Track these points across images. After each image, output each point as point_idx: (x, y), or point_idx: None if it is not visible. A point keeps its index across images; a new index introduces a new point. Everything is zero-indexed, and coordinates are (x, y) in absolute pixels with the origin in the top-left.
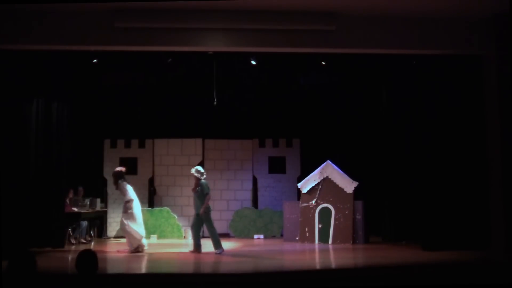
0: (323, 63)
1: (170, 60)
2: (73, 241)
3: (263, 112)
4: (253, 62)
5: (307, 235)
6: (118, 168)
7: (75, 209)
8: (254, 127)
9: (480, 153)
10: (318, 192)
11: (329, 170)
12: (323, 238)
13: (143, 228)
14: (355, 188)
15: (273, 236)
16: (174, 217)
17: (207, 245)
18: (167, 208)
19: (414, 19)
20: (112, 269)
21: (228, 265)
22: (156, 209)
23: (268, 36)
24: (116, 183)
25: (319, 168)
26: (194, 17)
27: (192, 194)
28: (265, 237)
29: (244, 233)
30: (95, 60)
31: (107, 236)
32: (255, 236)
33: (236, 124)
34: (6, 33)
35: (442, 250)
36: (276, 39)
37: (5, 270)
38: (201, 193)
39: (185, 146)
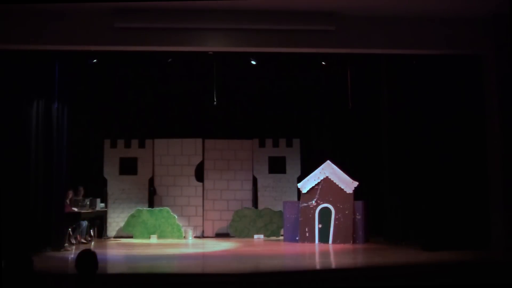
0: (323, 63)
1: (170, 60)
2: (73, 241)
3: (263, 112)
4: (253, 62)
5: (307, 235)
6: None
7: (75, 209)
8: (254, 127)
9: (480, 153)
10: (318, 192)
11: (329, 170)
12: (323, 238)
13: None
14: (355, 188)
15: (273, 236)
16: (174, 217)
17: (207, 245)
18: (167, 208)
19: (414, 19)
20: (112, 269)
21: (228, 265)
22: (156, 209)
23: (268, 36)
24: None
25: (319, 168)
26: (194, 17)
27: (192, 194)
28: (265, 237)
29: (244, 233)
30: (95, 60)
31: (107, 236)
32: (255, 236)
33: (236, 124)
34: (6, 33)
35: (442, 250)
36: (276, 39)
37: (3, 270)
38: None
39: (185, 146)
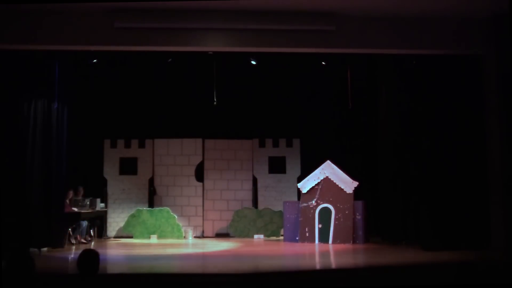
0: (323, 63)
1: (170, 60)
2: (73, 241)
3: (263, 112)
4: (253, 62)
5: (307, 235)
6: None
7: (75, 209)
8: (254, 127)
9: (480, 153)
10: (318, 192)
11: (329, 170)
12: (323, 238)
13: None
14: (355, 188)
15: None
16: (174, 217)
17: (207, 245)
18: (167, 208)
19: (414, 19)
20: (112, 269)
21: (228, 265)
22: (156, 209)
23: (268, 36)
24: None
25: (319, 168)
26: (194, 17)
27: (192, 194)
28: (265, 237)
29: (244, 233)
30: (95, 60)
31: (107, 236)
32: (255, 236)
33: (236, 124)
34: (6, 33)
35: (442, 250)
36: (276, 39)
37: (3, 270)
38: None
39: (185, 146)
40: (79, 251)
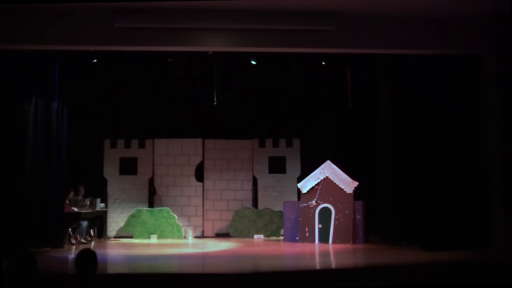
0: (323, 63)
1: (170, 60)
2: (73, 241)
3: (263, 112)
4: (253, 62)
5: (307, 235)
6: None
7: (75, 209)
8: (254, 127)
9: (480, 153)
10: (318, 192)
11: (329, 170)
12: (323, 238)
13: None
14: (355, 188)
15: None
16: (174, 217)
17: (207, 245)
18: (167, 208)
19: (414, 19)
20: (112, 269)
21: (228, 265)
22: (156, 209)
23: (268, 36)
24: None
25: (319, 168)
26: (194, 17)
27: (192, 194)
28: (265, 237)
29: (244, 233)
30: (95, 60)
31: (107, 236)
32: (255, 236)
33: (236, 124)
34: (6, 33)
35: (442, 250)
36: (276, 39)
37: (5, 270)
38: None
39: (185, 146)
40: (79, 251)
